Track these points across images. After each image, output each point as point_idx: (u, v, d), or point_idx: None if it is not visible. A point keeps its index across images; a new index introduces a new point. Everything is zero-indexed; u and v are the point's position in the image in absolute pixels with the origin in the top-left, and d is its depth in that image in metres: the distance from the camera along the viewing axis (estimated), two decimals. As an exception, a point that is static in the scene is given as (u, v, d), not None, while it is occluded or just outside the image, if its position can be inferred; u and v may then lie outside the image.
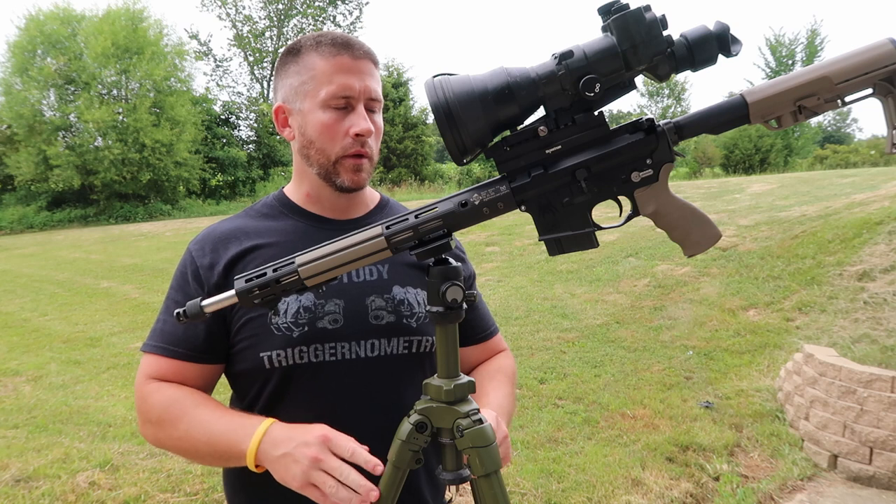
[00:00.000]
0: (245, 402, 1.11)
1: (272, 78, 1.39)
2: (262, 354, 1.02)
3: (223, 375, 1.12)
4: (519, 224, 9.82)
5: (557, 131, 0.80)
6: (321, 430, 0.89)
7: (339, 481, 0.85)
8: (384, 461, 0.93)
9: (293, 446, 0.88)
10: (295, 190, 1.15)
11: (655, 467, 3.10)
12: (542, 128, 0.80)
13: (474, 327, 1.23)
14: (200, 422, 0.97)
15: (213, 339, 1.04)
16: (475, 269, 1.38)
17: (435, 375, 0.93)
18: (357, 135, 1.02)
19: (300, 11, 28.71)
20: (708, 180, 17.13)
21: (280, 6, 28.55)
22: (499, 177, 0.84)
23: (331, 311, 1.04)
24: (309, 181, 1.11)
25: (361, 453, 0.88)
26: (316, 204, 1.13)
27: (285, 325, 1.02)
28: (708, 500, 2.87)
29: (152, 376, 1.04)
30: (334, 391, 1.05)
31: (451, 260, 0.89)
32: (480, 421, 0.88)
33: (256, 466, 0.93)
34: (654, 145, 0.80)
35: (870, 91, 0.74)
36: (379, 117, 1.08)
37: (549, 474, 3.08)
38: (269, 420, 0.94)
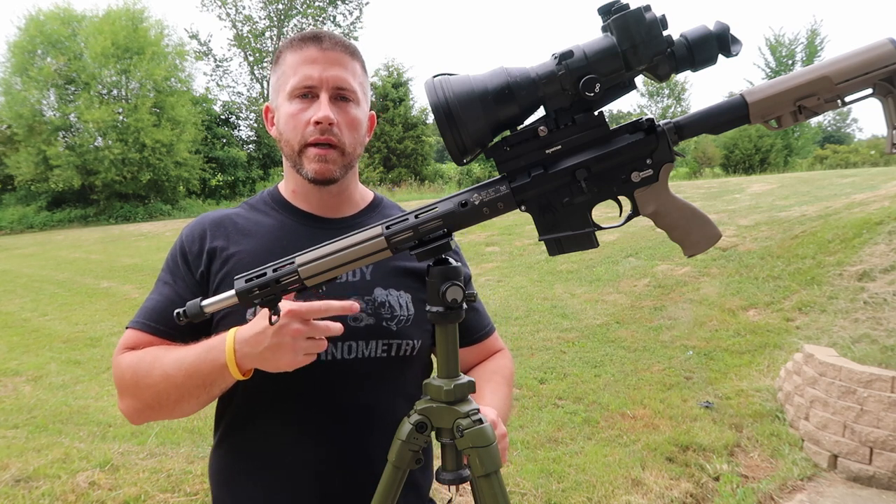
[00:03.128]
0: (223, 398, 1.10)
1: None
2: None
3: None
4: (519, 224, 9.81)
5: (557, 131, 0.80)
6: (285, 306, 0.86)
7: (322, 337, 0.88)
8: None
9: (270, 336, 0.86)
10: (285, 186, 1.17)
11: (655, 467, 3.10)
12: (542, 128, 0.80)
13: (469, 328, 1.21)
14: (171, 360, 0.96)
15: (195, 323, 1.00)
16: (475, 269, 1.36)
17: (435, 375, 0.93)
18: (316, 122, 1.01)
19: (300, 11, 28.66)
20: (708, 180, 17.12)
21: (280, 6, 28.52)
22: (499, 177, 0.84)
23: None
24: (293, 178, 1.12)
25: (332, 304, 0.87)
26: (303, 201, 1.13)
27: None
28: (708, 500, 2.87)
29: (127, 347, 1.04)
30: (311, 392, 1.04)
31: (451, 260, 0.89)
32: (480, 421, 0.89)
33: (244, 374, 0.91)
34: (654, 145, 0.80)
35: (870, 91, 0.74)
36: (355, 109, 1.06)
37: (549, 474, 3.08)
38: (233, 329, 0.92)
